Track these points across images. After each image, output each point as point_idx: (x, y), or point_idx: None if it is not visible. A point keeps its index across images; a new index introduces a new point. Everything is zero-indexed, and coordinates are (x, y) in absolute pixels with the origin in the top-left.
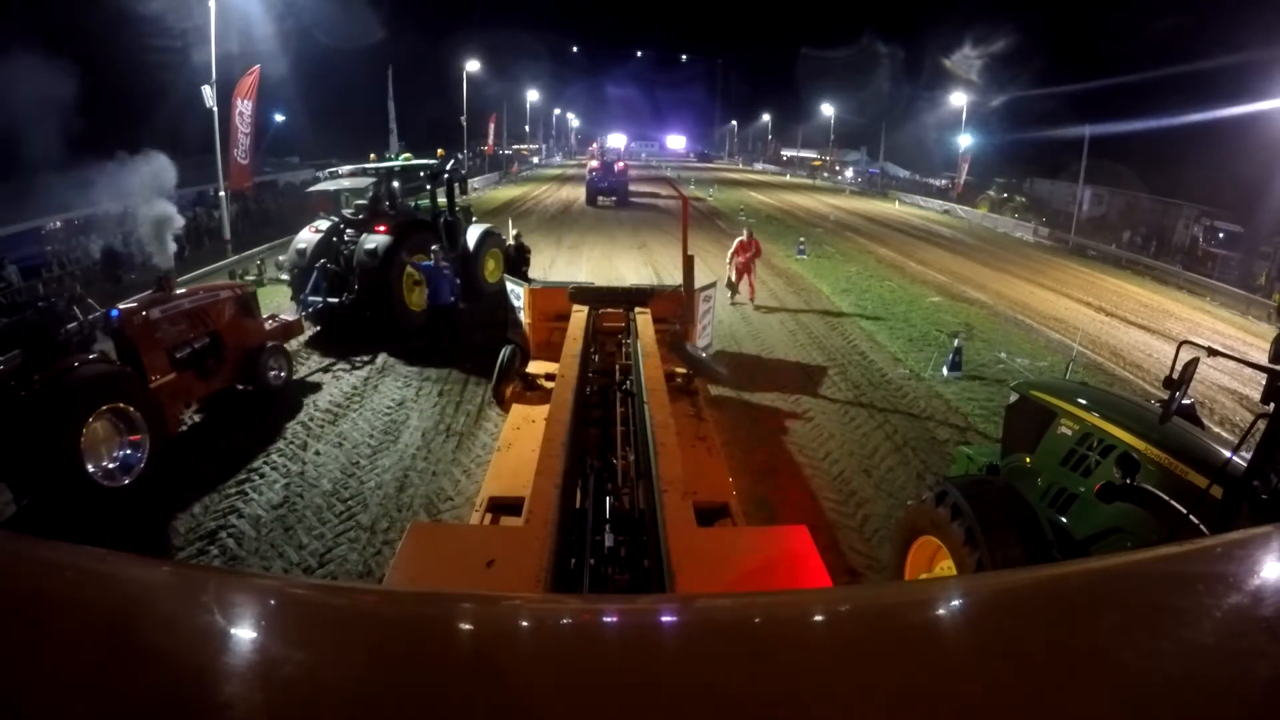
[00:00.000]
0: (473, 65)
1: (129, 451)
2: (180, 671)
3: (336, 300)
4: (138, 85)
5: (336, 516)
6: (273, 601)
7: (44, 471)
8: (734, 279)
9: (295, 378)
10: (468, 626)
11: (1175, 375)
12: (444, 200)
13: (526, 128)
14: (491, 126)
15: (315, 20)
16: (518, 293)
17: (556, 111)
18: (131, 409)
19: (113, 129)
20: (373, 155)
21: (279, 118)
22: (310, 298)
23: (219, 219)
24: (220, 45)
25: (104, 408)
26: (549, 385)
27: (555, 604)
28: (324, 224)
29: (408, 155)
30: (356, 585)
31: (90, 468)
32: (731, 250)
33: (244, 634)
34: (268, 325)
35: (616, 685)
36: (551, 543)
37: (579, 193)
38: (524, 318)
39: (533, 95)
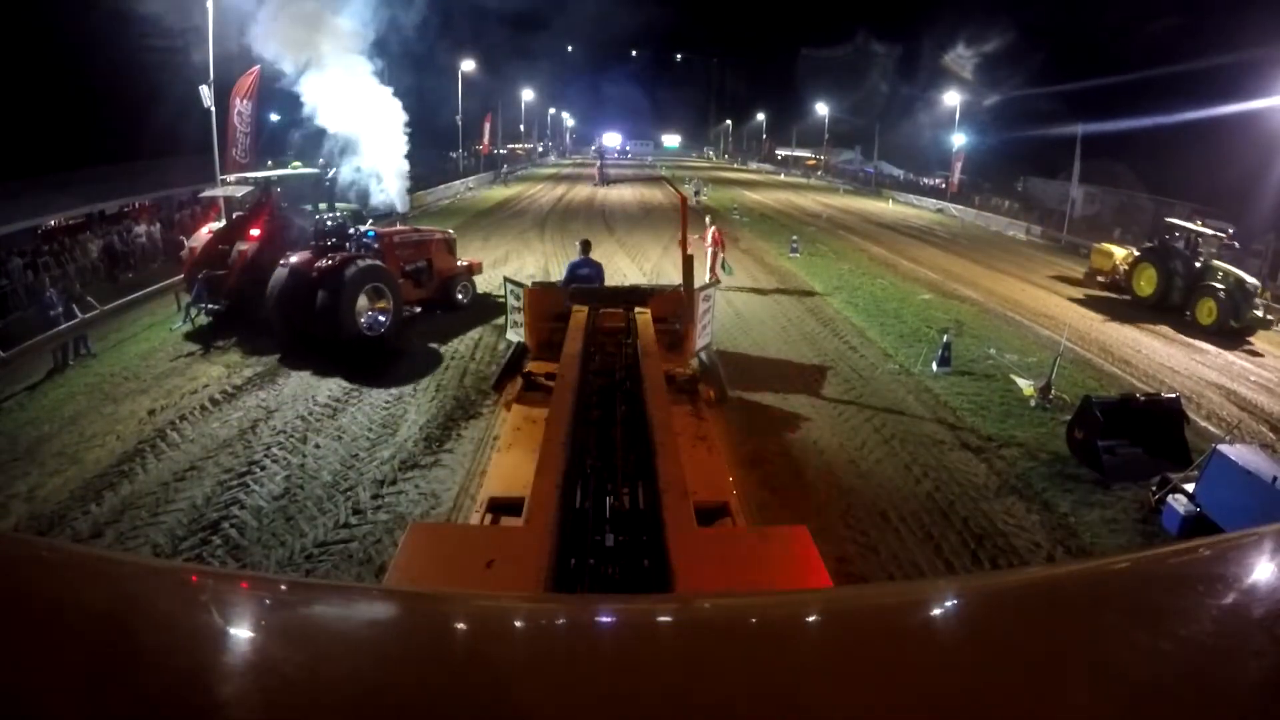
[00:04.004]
0: (468, 65)
1: (379, 316)
2: (181, 671)
3: None
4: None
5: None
6: (272, 601)
7: (330, 322)
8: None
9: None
10: (468, 626)
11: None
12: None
13: (522, 127)
14: (487, 126)
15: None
16: (517, 293)
17: (552, 111)
18: (385, 288)
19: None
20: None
21: (274, 117)
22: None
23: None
24: (219, 46)
25: (369, 285)
26: (549, 385)
27: (555, 604)
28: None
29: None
30: (356, 585)
31: (360, 321)
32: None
33: (244, 634)
34: (459, 263)
35: (616, 685)
36: (551, 543)
37: (573, 192)
38: (523, 318)
39: (528, 95)
